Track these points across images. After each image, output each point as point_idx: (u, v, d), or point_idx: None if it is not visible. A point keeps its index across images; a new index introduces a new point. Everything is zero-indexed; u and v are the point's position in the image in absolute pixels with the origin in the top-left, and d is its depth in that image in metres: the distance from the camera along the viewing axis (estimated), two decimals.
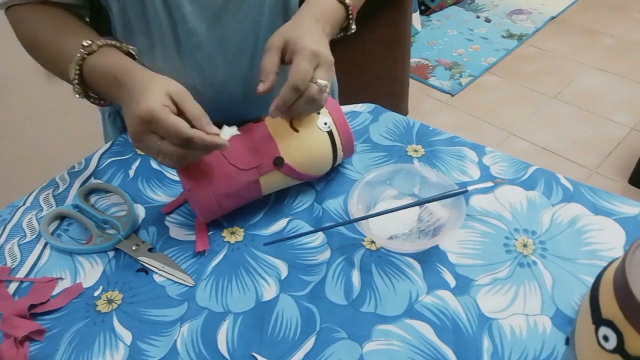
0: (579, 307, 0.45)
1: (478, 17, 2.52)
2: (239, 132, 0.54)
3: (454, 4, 2.63)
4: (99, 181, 0.69)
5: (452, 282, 0.53)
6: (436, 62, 2.25)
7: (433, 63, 2.24)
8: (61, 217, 0.64)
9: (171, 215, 0.64)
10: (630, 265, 0.35)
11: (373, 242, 0.58)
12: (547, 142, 1.81)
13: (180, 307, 0.53)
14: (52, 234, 0.62)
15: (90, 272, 0.58)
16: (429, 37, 2.40)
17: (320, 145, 0.60)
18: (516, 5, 2.57)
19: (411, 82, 1.77)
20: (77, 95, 0.60)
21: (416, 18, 2.37)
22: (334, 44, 0.70)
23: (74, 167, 0.72)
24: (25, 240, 0.62)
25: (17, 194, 0.69)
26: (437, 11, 2.59)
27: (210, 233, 0.61)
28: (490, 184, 0.58)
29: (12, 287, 0.57)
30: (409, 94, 1.45)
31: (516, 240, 0.57)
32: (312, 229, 0.60)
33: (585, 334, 0.40)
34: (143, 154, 0.73)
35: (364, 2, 0.73)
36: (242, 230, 0.61)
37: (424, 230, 0.59)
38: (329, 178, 0.66)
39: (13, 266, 0.59)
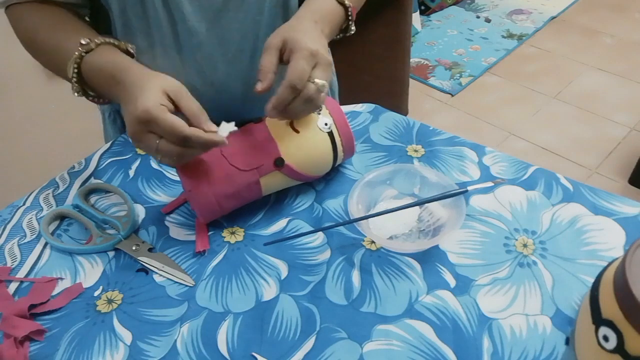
0: (579, 307, 0.45)
1: (478, 17, 2.52)
2: (236, 129, 0.54)
3: (454, 4, 2.63)
4: (99, 181, 0.69)
5: (452, 282, 0.53)
6: (436, 62, 2.25)
7: (433, 63, 2.24)
8: (61, 217, 0.65)
9: (171, 215, 0.64)
10: (630, 265, 0.35)
11: (373, 242, 0.58)
12: (547, 142, 1.81)
13: (180, 307, 0.53)
14: (52, 234, 0.62)
15: (90, 272, 0.58)
16: (429, 37, 2.40)
17: (321, 145, 0.60)
18: (516, 5, 2.57)
19: (411, 82, 1.77)
20: (75, 94, 0.60)
21: (416, 18, 2.37)
22: (334, 44, 0.70)
23: (74, 167, 0.72)
24: (25, 240, 0.62)
25: (17, 194, 0.69)
26: (437, 11, 2.59)
27: (210, 233, 0.61)
28: (490, 184, 0.58)
29: (12, 287, 0.57)
30: (409, 94, 1.46)
31: (516, 240, 0.57)
32: (312, 229, 0.60)
33: (585, 334, 0.40)
34: (143, 153, 0.73)
35: (364, 2, 0.73)
36: (242, 230, 0.61)
37: (424, 230, 0.59)
38: (329, 178, 0.66)
39: (13, 266, 0.59)
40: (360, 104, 0.78)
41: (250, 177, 0.57)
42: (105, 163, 0.72)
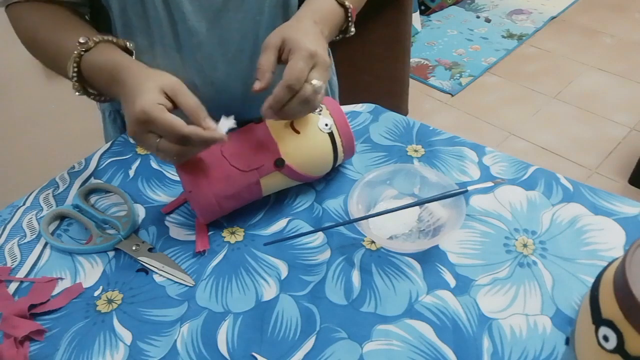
0: (579, 307, 0.45)
1: (478, 17, 2.52)
2: (235, 125, 0.54)
3: (454, 4, 2.63)
4: (99, 181, 0.69)
5: (452, 282, 0.53)
6: (436, 62, 2.25)
7: (433, 63, 2.24)
8: (61, 217, 0.65)
9: (171, 215, 0.64)
10: (630, 265, 0.35)
11: (373, 242, 0.58)
12: (547, 142, 1.81)
13: (180, 307, 0.53)
14: (52, 234, 0.62)
15: (90, 272, 0.58)
16: (429, 37, 2.40)
17: (321, 146, 0.60)
18: (516, 5, 2.57)
19: (411, 82, 1.77)
20: (77, 93, 0.60)
21: (416, 18, 2.37)
22: (334, 44, 0.71)
23: (74, 167, 0.72)
24: (25, 240, 0.62)
25: (17, 194, 0.69)
26: (437, 11, 2.59)
27: (210, 233, 0.61)
28: (490, 184, 0.58)
29: (12, 287, 0.57)
30: (409, 94, 1.46)
31: (516, 240, 0.57)
32: (312, 229, 0.60)
33: (585, 334, 0.40)
34: (143, 153, 0.73)
35: (364, 4, 0.73)
36: (242, 230, 0.61)
37: (424, 230, 0.59)
38: (329, 178, 0.66)
39: (13, 266, 0.59)
40: (360, 104, 0.78)
41: (251, 178, 0.57)
42: (105, 163, 0.72)
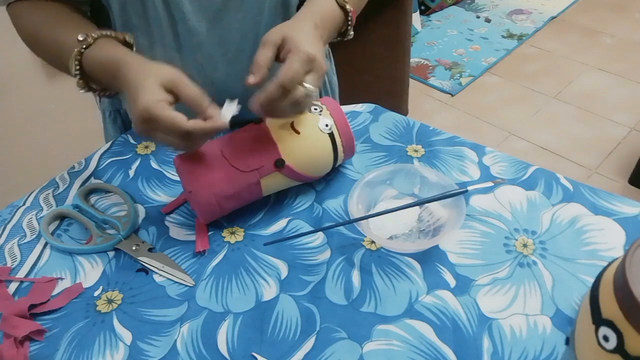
0: (579, 307, 0.45)
1: (478, 17, 2.52)
2: (238, 110, 0.54)
3: (454, 4, 2.63)
4: (99, 181, 0.69)
5: (452, 282, 0.53)
6: (436, 62, 2.25)
7: (433, 63, 2.24)
8: (61, 217, 0.64)
9: (171, 215, 0.64)
10: (630, 265, 0.36)
11: (373, 242, 0.58)
12: (547, 142, 1.81)
13: (180, 307, 0.53)
14: (52, 234, 0.62)
15: (90, 272, 0.58)
16: (429, 37, 2.41)
17: (321, 146, 0.60)
18: (516, 5, 2.57)
19: (411, 82, 1.77)
20: (81, 90, 0.60)
21: (416, 18, 2.37)
22: (334, 45, 0.71)
23: (74, 167, 0.72)
24: (25, 240, 0.62)
25: (17, 194, 0.69)
26: (437, 11, 2.59)
27: (210, 233, 0.61)
28: (490, 184, 0.58)
29: (12, 287, 0.57)
30: (409, 94, 1.46)
31: (516, 240, 0.57)
32: (312, 229, 0.60)
33: (585, 334, 0.40)
34: (143, 153, 0.73)
35: (364, 6, 0.72)
36: (242, 230, 0.61)
37: (424, 230, 0.59)
38: (329, 178, 0.66)
39: (13, 266, 0.59)
40: (360, 104, 0.78)
41: (251, 178, 0.57)
42: (105, 163, 0.72)
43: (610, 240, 0.56)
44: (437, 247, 0.57)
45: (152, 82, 0.51)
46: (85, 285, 0.56)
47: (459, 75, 2.15)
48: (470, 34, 2.40)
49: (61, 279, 0.57)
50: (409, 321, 0.50)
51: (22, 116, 1.60)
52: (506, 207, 0.60)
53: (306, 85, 0.53)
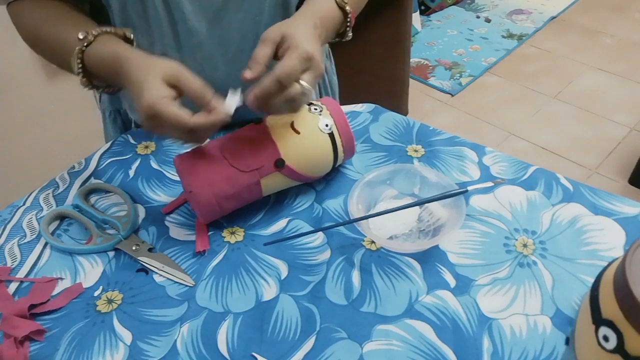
0: (579, 307, 0.45)
1: (478, 17, 2.52)
2: (241, 102, 0.54)
3: (454, 4, 2.63)
4: (99, 181, 0.69)
5: (452, 282, 0.53)
6: (436, 62, 2.25)
7: (433, 63, 2.24)
8: (61, 217, 0.64)
9: (171, 215, 0.64)
10: (630, 265, 0.36)
11: (373, 242, 0.58)
12: (547, 142, 1.81)
13: (180, 307, 0.53)
14: (52, 234, 0.62)
15: (90, 272, 0.58)
16: (429, 37, 2.41)
17: (321, 146, 0.60)
18: (516, 5, 2.57)
19: (411, 82, 1.77)
20: (85, 88, 0.61)
21: (416, 18, 2.37)
22: (334, 45, 0.70)
23: (74, 167, 0.72)
24: (25, 240, 0.62)
25: (17, 194, 0.69)
26: (437, 11, 2.59)
27: (210, 233, 0.61)
28: (490, 184, 0.58)
29: (12, 287, 0.57)
30: (409, 94, 1.46)
31: (516, 240, 0.57)
32: (312, 229, 0.60)
33: (585, 334, 0.40)
34: (143, 153, 0.73)
35: (363, 6, 0.72)
36: (242, 230, 0.61)
37: (424, 230, 0.59)
38: (329, 178, 0.66)
39: (13, 266, 0.59)
40: (360, 104, 0.78)
41: (251, 178, 0.57)
42: (105, 163, 0.72)
43: (610, 240, 0.56)
44: (437, 247, 0.57)
45: (154, 79, 0.51)
46: (85, 285, 0.56)
47: (459, 75, 2.15)
48: (470, 34, 2.40)
49: (61, 279, 0.57)
50: (409, 321, 0.50)
51: (22, 116, 1.60)
52: (506, 207, 0.60)
53: (303, 83, 0.53)
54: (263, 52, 0.54)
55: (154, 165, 0.71)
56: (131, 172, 0.70)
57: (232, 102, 0.53)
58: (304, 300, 0.53)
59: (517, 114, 1.94)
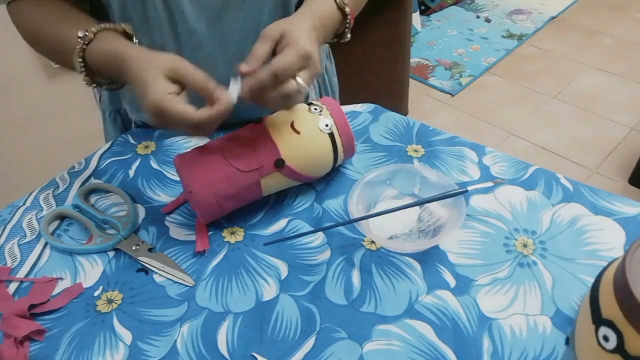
0: (579, 307, 0.45)
1: (478, 17, 2.52)
2: (240, 91, 0.54)
3: (454, 4, 2.63)
4: (99, 181, 0.69)
5: (452, 282, 0.53)
6: (436, 62, 2.25)
7: (433, 63, 2.24)
8: (61, 217, 0.64)
9: (171, 215, 0.64)
10: (630, 265, 0.36)
11: (373, 242, 0.58)
12: (547, 142, 1.81)
13: (180, 307, 0.53)
14: (52, 234, 0.62)
15: (90, 272, 0.58)
16: (429, 37, 2.41)
17: (321, 146, 0.60)
18: (516, 5, 2.57)
19: (411, 82, 1.77)
20: (89, 86, 0.61)
21: (416, 18, 2.37)
22: (334, 45, 0.70)
23: (74, 167, 0.72)
24: (25, 240, 0.62)
25: (17, 194, 0.69)
26: (437, 11, 2.59)
27: (210, 233, 0.61)
28: (490, 184, 0.58)
29: (12, 287, 0.57)
30: (409, 94, 1.46)
31: (516, 240, 0.57)
32: (312, 229, 0.60)
33: (585, 334, 0.40)
34: (143, 153, 0.73)
35: (363, 6, 0.72)
36: (242, 230, 0.61)
37: (424, 230, 0.59)
38: (329, 178, 0.66)
39: (13, 266, 0.59)
40: (360, 104, 0.78)
41: (251, 178, 0.57)
42: (105, 163, 0.72)
43: (610, 240, 0.56)
44: (437, 247, 0.57)
45: (156, 76, 0.51)
46: (85, 285, 0.56)
47: (459, 75, 2.15)
48: (470, 34, 2.40)
49: (61, 279, 0.57)
50: (409, 321, 0.50)
51: (22, 116, 1.60)
52: (506, 207, 0.60)
53: (299, 79, 0.53)
54: (262, 48, 0.54)
55: (154, 165, 0.71)
56: (131, 172, 0.70)
57: (234, 90, 0.54)
58: (304, 300, 0.53)
59: (517, 114, 1.94)
